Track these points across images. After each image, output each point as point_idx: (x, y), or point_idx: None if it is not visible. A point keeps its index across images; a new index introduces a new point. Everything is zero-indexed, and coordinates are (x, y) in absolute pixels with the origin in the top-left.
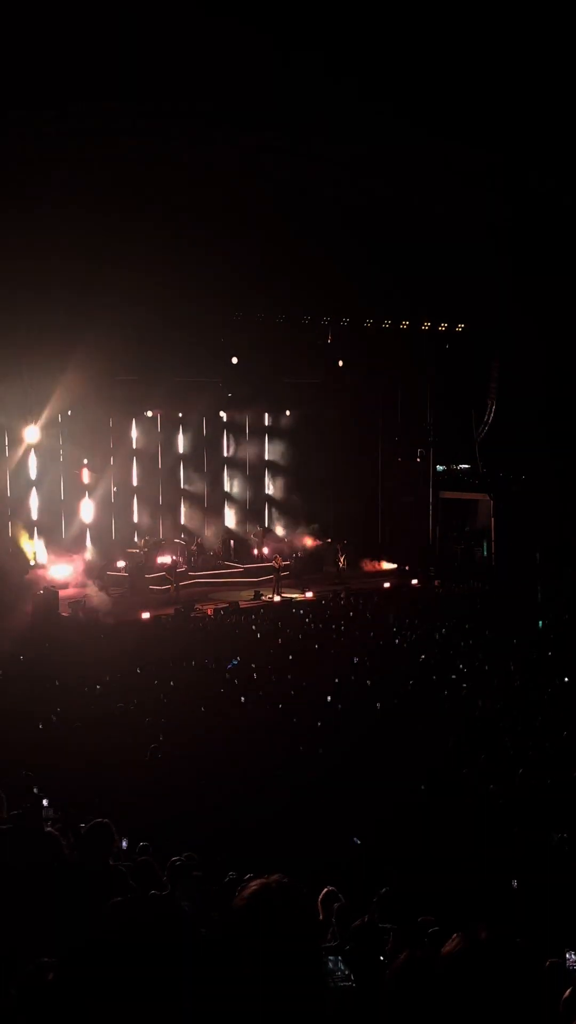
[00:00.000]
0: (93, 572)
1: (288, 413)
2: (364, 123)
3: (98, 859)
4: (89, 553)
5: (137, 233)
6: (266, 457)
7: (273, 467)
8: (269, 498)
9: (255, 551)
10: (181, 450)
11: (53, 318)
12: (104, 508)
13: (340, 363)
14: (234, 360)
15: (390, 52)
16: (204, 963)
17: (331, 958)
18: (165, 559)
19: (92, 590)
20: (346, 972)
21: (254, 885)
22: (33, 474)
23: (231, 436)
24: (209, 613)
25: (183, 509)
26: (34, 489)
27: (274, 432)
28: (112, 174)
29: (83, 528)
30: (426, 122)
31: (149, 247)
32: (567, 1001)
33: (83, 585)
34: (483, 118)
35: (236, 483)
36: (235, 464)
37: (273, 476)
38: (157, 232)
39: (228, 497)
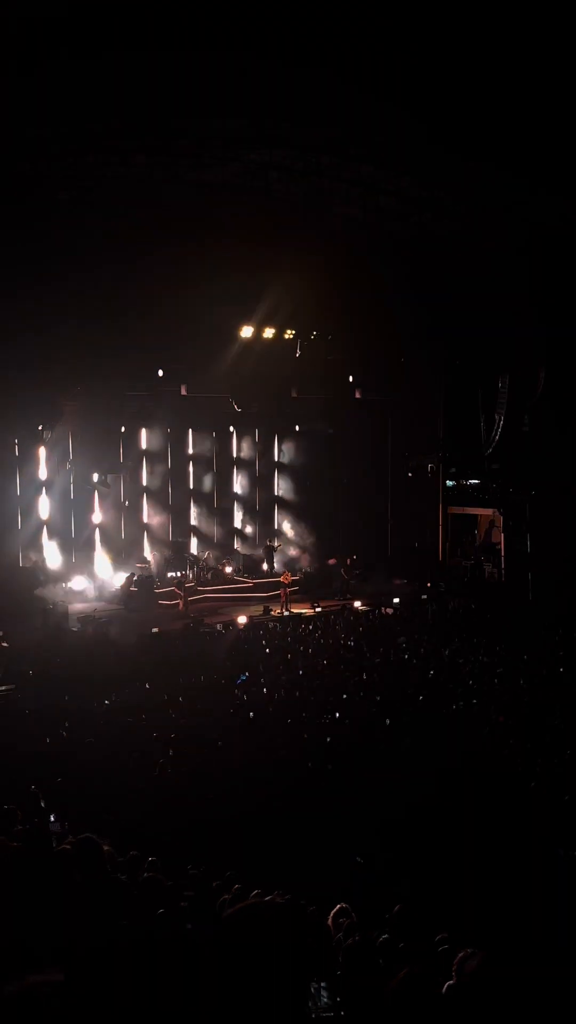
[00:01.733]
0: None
1: (297, 428)
2: (375, 141)
3: (93, 873)
4: (100, 568)
5: (147, 249)
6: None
7: (283, 477)
8: (279, 503)
9: (264, 566)
10: (191, 451)
11: (61, 335)
12: (114, 512)
13: (351, 378)
14: (242, 374)
15: (405, 64)
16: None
17: (315, 985)
18: (174, 574)
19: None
20: (330, 1002)
21: (245, 903)
22: (44, 487)
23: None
24: (218, 628)
25: (192, 511)
26: (44, 493)
27: (284, 449)
28: (121, 191)
29: (94, 534)
30: (441, 139)
31: (158, 262)
32: None
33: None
34: (493, 135)
35: (244, 485)
36: (244, 469)
37: (282, 486)
38: (166, 247)
39: (238, 497)
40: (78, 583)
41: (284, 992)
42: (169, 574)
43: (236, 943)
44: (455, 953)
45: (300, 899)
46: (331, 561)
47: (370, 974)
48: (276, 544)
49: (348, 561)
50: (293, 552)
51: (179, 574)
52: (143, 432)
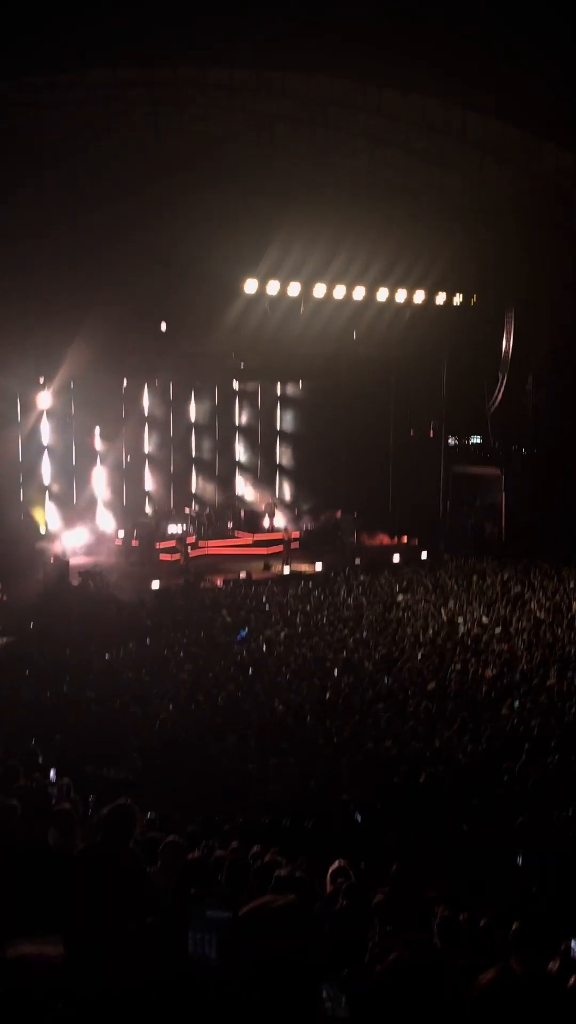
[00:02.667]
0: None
1: (300, 385)
2: (378, 93)
3: (119, 844)
4: (101, 523)
5: (150, 200)
6: (278, 427)
7: (284, 437)
8: (280, 466)
9: (265, 522)
10: (193, 418)
11: (64, 285)
12: (116, 475)
13: (354, 335)
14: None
15: (411, 14)
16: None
17: (326, 987)
18: (176, 529)
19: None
20: (342, 1002)
21: (249, 908)
22: (45, 440)
23: (243, 404)
24: (219, 584)
25: (194, 477)
26: (46, 455)
27: (286, 401)
28: (125, 141)
29: (95, 495)
30: (443, 92)
31: (162, 214)
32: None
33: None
34: (498, 88)
35: (247, 454)
36: (246, 432)
37: (284, 446)
38: (170, 199)
39: (239, 466)
40: (78, 537)
41: (296, 996)
42: (170, 529)
43: (246, 947)
44: (449, 919)
45: (298, 856)
46: (337, 514)
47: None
48: (276, 501)
49: (354, 515)
50: (293, 511)
51: (180, 529)
52: (144, 392)
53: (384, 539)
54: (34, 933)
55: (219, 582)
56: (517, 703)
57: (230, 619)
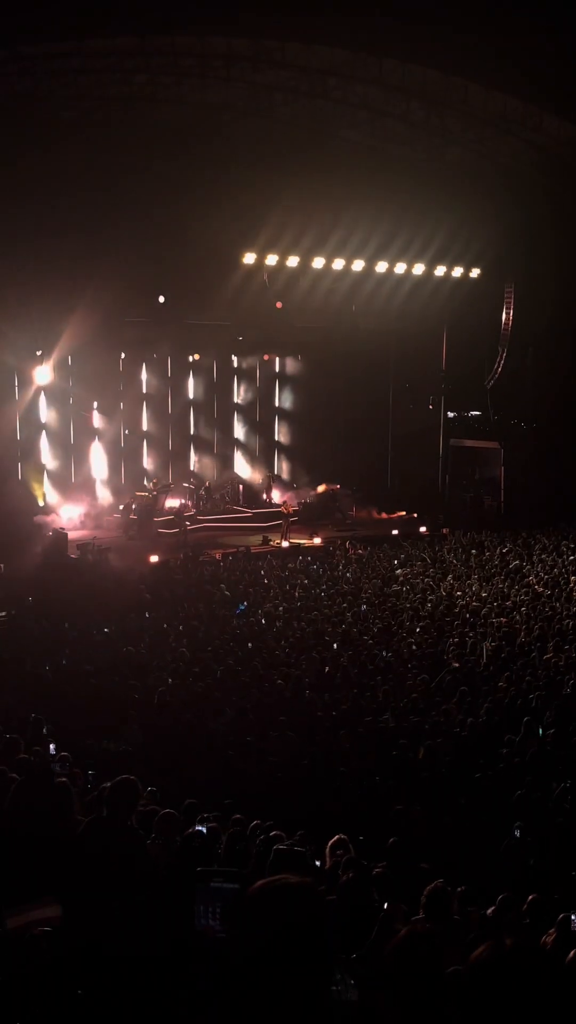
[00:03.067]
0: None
1: (299, 358)
2: (379, 64)
3: (122, 818)
4: (99, 496)
5: (148, 172)
6: (276, 404)
7: (283, 413)
8: (279, 444)
9: (264, 496)
10: (191, 396)
11: (62, 257)
12: (114, 452)
13: (353, 307)
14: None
15: None
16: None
17: (336, 970)
18: (174, 503)
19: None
20: (351, 985)
21: (265, 883)
22: (43, 416)
23: (241, 380)
24: (218, 558)
25: (192, 454)
26: (44, 431)
27: (284, 378)
28: (123, 112)
29: (92, 471)
30: (443, 63)
31: (160, 186)
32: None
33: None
34: (500, 61)
35: (245, 429)
36: (244, 410)
37: (282, 422)
38: (168, 171)
39: (237, 443)
40: (78, 510)
41: (308, 977)
42: (169, 503)
43: (260, 923)
44: (446, 891)
45: (298, 829)
46: (335, 487)
47: (365, 910)
48: (273, 475)
49: (352, 490)
50: (292, 487)
51: (179, 503)
52: (143, 369)
53: (383, 512)
54: (30, 902)
55: (218, 556)
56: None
57: (229, 593)
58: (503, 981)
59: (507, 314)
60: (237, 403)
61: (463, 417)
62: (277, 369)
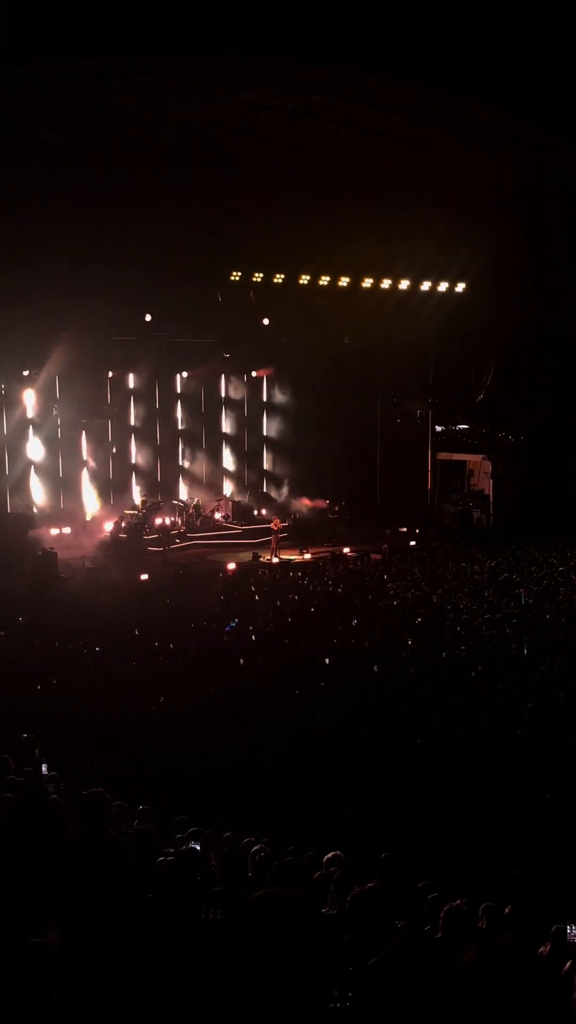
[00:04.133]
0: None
1: (286, 374)
2: (362, 81)
3: (97, 830)
4: (89, 513)
5: (135, 192)
6: (264, 433)
7: (272, 425)
8: (268, 450)
9: (254, 512)
10: (179, 409)
11: (49, 276)
12: (102, 454)
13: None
14: (232, 320)
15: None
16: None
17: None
18: (164, 521)
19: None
20: (349, 997)
21: (260, 895)
22: (30, 437)
23: (228, 401)
24: (208, 575)
25: (181, 450)
26: (32, 446)
27: (272, 394)
28: (108, 131)
29: (81, 491)
30: (425, 79)
31: (146, 204)
32: (568, 973)
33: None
34: (482, 74)
35: (235, 442)
36: (234, 415)
37: (269, 439)
38: (154, 191)
39: (226, 437)
40: (67, 529)
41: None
42: (158, 521)
43: (259, 933)
44: (442, 903)
45: (290, 845)
46: (317, 503)
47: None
48: (262, 492)
49: (336, 508)
50: (281, 499)
51: (168, 521)
52: (130, 375)
53: (372, 527)
54: (34, 928)
55: (208, 573)
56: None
57: (219, 610)
58: (492, 983)
59: (495, 328)
60: (225, 397)
61: (451, 431)
62: (265, 384)
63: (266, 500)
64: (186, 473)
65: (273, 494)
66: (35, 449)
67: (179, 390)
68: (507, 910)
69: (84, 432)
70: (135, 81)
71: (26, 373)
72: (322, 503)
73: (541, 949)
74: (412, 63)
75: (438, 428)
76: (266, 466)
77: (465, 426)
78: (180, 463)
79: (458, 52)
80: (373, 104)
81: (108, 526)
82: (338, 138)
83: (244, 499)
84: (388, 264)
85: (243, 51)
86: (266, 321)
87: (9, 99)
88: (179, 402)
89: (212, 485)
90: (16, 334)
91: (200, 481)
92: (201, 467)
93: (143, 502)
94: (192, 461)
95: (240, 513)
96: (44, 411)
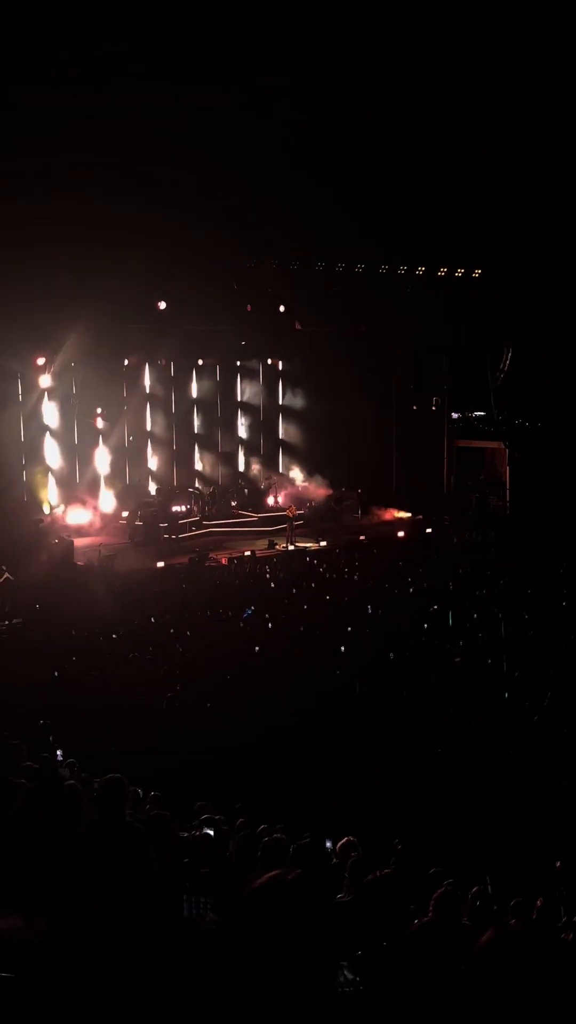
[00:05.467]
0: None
1: (302, 361)
2: (374, 68)
3: (114, 815)
4: (105, 502)
5: (150, 179)
6: (280, 402)
7: (287, 414)
8: (283, 443)
9: (269, 500)
10: (195, 395)
11: (67, 263)
12: (118, 454)
13: (355, 310)
14: (248, 307)
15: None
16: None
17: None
18: (180, 508)
19: None
20: (353, 979)
21: (266, 877)
22: (47, 420)
23: (244, 381)
24: (223, 562)
25: (196, 455)
26: (48, 435)
27: (288, 381)
28: (124, 121)
29: (97, 474)
30: (436, 64)
31: (163, 193)
32: None
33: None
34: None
35: (250, 432)
36: (249, 409)
37: (287, 423)
38: (170, 177)
39: (242, 442)
40: (83, 517)
41: (312, 969)
42: (174, 508)
43: (262, 919)
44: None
45: (304, 832)
46: (330, 492)
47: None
48: (273, 479)
49: (357, 492)
50: (297, 487)
51: (183, 508)
52: (146, 369)
53: (388, 515)
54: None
55: (224, 560)
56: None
57: (235, 597)
58: (509, 963)
59: (512, 314)
60: (241, 402)
61: (468, 418)
62: (280, 372)
63: (278, 489)
64: (200, 474)
65: (284, 483)
66: (51, 442)
67: (195, 381)
68: (539, 903)
69: (99, 413)
70: (149, 70)
71: (41, 362)
72: (338, 492)
73: (563, 935)
74: (421, 48)
75: (455, 415)
76: (282, 454)
77: (482, 413)
78: (195, 466)
79: (468, 36)
80: (386, 91)
81: (124, 514)
82: (352, 124)
83: (258, 488)
84: (405, 248)
85: (251, 40)
86: (282, 308)
87: (28, 87)
88: (195, 405)
89: (228, 461)
90: (33, 319)
91: (215, 480)
92: (216, 468)
93: (159, 489)
94: (206, 460)
95: (255, 501)
96: (61, 395)
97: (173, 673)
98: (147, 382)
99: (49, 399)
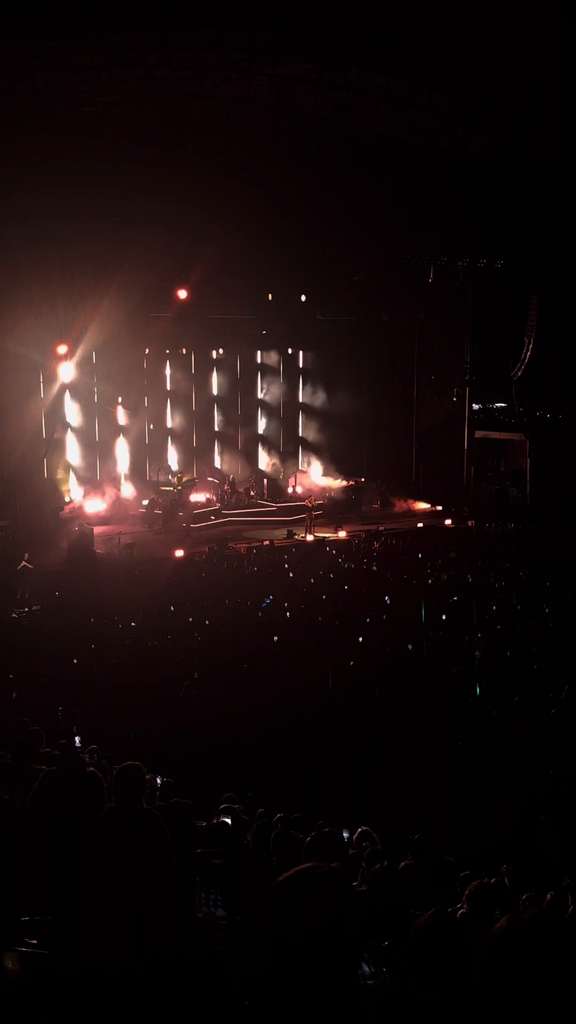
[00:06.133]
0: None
1: (323, 350)
2: (400, 53)
3: (131, 802)
4: (124, 491)
5: (172, 167)
6: (300, 400)
7: (307, 408)
8: (303, 440)
9: (289, 490)
10: (215, 391)
11: (87, 253)
12: (138, 447)
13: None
14: (269, 297)
15: None
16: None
17: (366, 958)
18: (199, 497)
19: None
20: (381, 972)
21: (292, 871)
22: (67, 412)
23: (265, 376)
24: (242, 552)
25: (216, 450)
26: (68, 428)
27: (308, 371)
28: (149, 107)
29: (117, 467)
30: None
31: (184, 181)
32: None
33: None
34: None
35: (270, 424)
36: (268, 405)
37: (307, 416)
38: (192, 166)
39: (262, 439)
40: (103, 505)
41: (335, 963)
42: (194, 497)
43: (286, 911)
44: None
45: (321, 821)
46: (349, 483)
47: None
48: (290, 470)
49: (377, 483)
50: (315, 479)
51: (204, 498)
52: (167, 365)
53: (408, 506)
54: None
55: (243, 550)
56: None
57: (254, 586)
58: (524, 951)
59: (532, 305)
60: (261, 399)
61: (488, 409)
62: (300, 363)
63: (295, 478)
64: (222, 441)
65: (309, 471)
66: (72, 428)
67: (215, 390)
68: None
69: (119, 407)
70: (172, 56)
71: (63, 351)
72: (357, 481)
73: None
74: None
75: (475, 406)
76: (301, 445)
77: (502, 404)
78: (215, 464)
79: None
80: (411, 76)
81: (144, 502)
82: (376, 112)
83: (277, 478)
84: (426, 240)
85: (280, 23)
86: (303, 297)
87: (49, 73)
88: (215, 393)
89: (248, 456)
90: (54, 309)
91: (234, 456)
92: (235, 464)
93: (178, 478)
94: (226, 455)
95: (274, 491)
96: (81, 385)
97: (191, 661)
98: (168, 372)
99: (70, 390)
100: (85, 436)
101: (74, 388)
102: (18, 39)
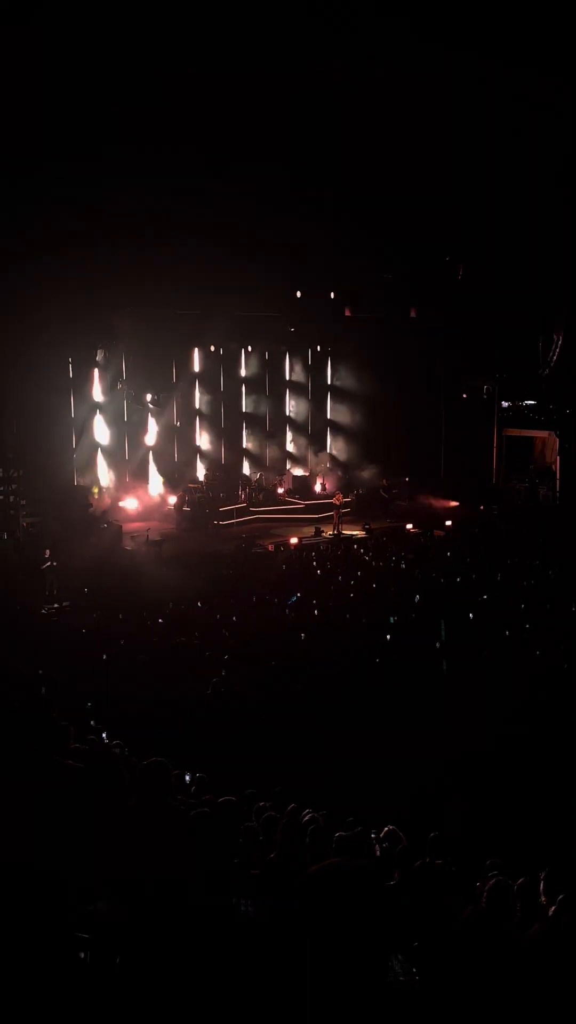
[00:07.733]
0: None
1: (352, 348)
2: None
3: (156, 798)
4: (153, 488)
5: (201, 165)
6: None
7: (336, 400)
8: (332, 433)
9: (316, 487)
10: (244, 374)
11: (117, 249)
12: (167, 433)
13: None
14: (298, 294)
15: None
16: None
17: (397, 958)
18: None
19: None
20: (408, 969)
21: (319, 866)
22: (97, 398)
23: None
24: (270, 549)
25: (244, 434)
26: (99, 414)
27: (336, 370)
28: (179, 107)
29: (147, 453)
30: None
31: (214, 179)
32: None
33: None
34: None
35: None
36: (298, 396)
37: (335, 407)
38: (221, 165)
39: (290, 421)
40: (131, 502)
41: (364, 959)
42: (221, 494)
43: (318, 905)
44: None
45: (350, 818)
46: (384, 480)
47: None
48: (321, 466)
49: (388, 482)
50: (342, 475)
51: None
52: (195, 352)
53: (436, 503)
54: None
55: (270, 547)
56: None
57: (281, 583)
58: (558, 953)
59: (562, 302)
60: (289, 380)
61: (518, 406)
62: (329, 359)
63: (326, 476)
64: (248, 453)
65: (331, 470)
66: (102, 425)
67: (244, 365)
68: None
69: (148, 410)
70: (202, 57)
71: (99, 358)
72: (384, 480)
73: None
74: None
75: (504, 404)
76: (330, 441)
77: (532, 402)
78: (243, 445)
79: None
80: (434, 75)
81: (172, 500)
82: (407, 108)
83: (306, 474)
84: (454, 236)
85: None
86: (332, 295)
87: (85, 73)
88: (243, 384)
89: (274, 467)
90: (85, 306)
91: (263, 460)
92: (263, 448)
93: (207, 476)
94: (254, 440)
95: (301, 488)
96: (111, 387)
97: (219, 658)
98: (196, 366)
99: (100, 386)
100: (115, 431)
101: (104, 383)
102: None
